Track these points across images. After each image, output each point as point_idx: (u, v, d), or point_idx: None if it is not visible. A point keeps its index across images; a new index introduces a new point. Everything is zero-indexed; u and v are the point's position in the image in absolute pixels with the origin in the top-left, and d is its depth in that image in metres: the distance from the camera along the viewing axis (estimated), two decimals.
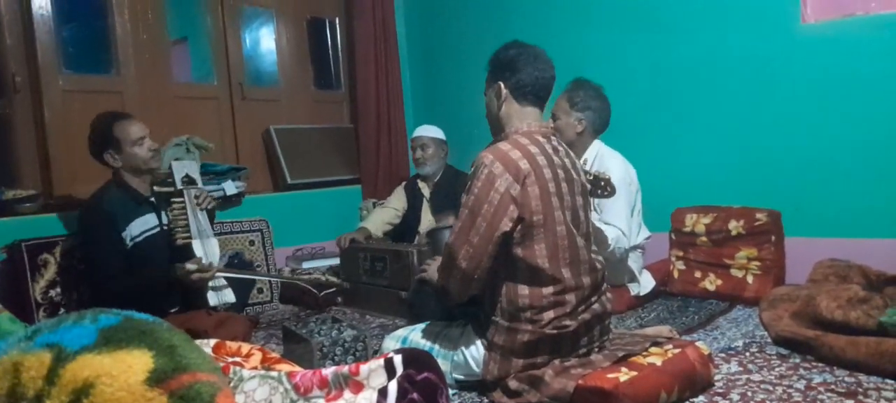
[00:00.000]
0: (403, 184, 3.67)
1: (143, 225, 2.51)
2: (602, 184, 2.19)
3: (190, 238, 2.51)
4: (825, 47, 2.80)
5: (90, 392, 0.94)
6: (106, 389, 0.95)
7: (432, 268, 2.05)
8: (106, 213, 2.44)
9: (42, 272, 2.71)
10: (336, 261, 3.55)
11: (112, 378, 0.96)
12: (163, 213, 2.58)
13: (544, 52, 1.91)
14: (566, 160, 1.88)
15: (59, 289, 2.73)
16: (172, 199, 2.55)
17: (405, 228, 3.52)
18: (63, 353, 0.98)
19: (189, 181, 2.64)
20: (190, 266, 2.38)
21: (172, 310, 2.51)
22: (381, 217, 3.55)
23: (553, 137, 1.92)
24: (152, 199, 2.57)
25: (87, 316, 1.08)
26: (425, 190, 3.51)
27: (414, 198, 3.53)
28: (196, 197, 2.60)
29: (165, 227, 2.57)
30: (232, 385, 1.42)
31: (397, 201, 3.59)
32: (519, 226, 1.75)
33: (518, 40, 1.91)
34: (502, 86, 1.89)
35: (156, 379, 0.98)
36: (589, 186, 2.06)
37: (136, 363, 0.99)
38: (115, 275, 2.40)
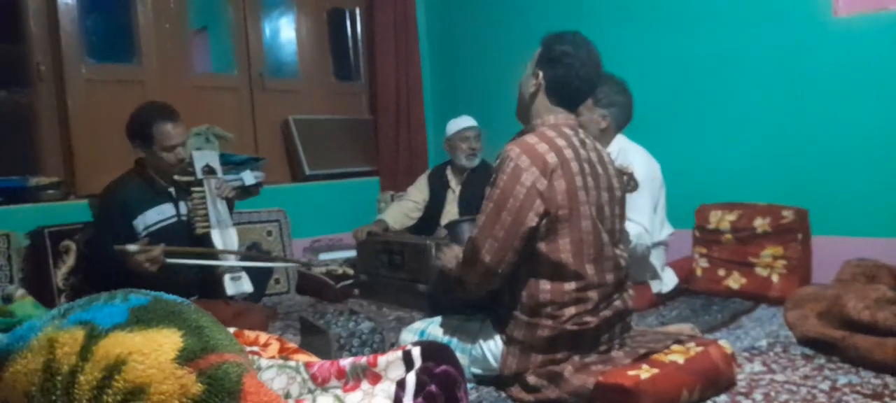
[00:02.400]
0: (427, 173, 3.62)
1: (158, 215, 2.54)
2: (625, 178, 2.16)
3: (209, 227, 2.53)
4: (856, 41, 2.74)
5: (122, 368, 0.97)
6: (137, 366, 0.98)
7: (448, 256, 2.02)
8: (118, 201, 2.48)
9: (64, 258, 2.75)
10: (353, 253, 3.55)
11: (143, 355, 0.99)
12: (181, 204, 2.60)
13: (598, 56, 1.84)
14: (592, 154, 1.85)
15: (80, 275, 2.76)
16: (192, 189, 2.57)
17: (427, 221, 3.47)
18: (95, 330, 1.02)
19: (209, 171, 2.66)
20: (130, 247, 2.26)
21: (191, 300, 2.52)
22: (401, 210, 3.52)
23: (580, 131, 1.89)
24: (171, 190, 2.59)
25: (118, 296, 1.12)
26: (454, 182, 3.45)
27: (439, 189, 3.47)
28: (216, 186, 2.62)
29: (183, 218, 2.59)
30: None
31: (418, 193, 3.54)
32: (544, 221, 1.72)
33: (578, 34, 1.85)
34: (541, 76, 1.85)
35: (185, 358, 1.01)
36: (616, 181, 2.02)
37: (166, 342, 1.02)
38: (102, 259, 2.41)
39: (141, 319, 1.05)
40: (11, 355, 1.05)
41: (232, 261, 2.54)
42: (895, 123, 2.66)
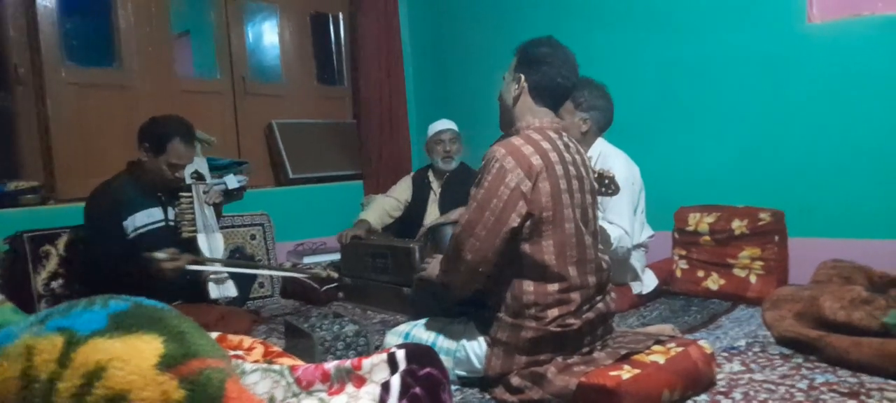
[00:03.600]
0: (411, 174, 3.65)
1: (147, 218, 2.54)
2: (606, 181, 2.19)
3: (195, 231, 2.53)
4: (831, 47, 2.79)
5: (102, 375, 0.96)
6: (117, 373, 0.96)
7: (432, 266, 2.04)
8: (109, 201, 2.48)
9: (44, 263, 2.72)
10: (337, 257, 3.55)
11: (123, 362, 0.97)
12: (169, 209, 2.60)
13: (574, 56, 1.89)
14: (577, 157, 1.88)
15: (61, 281, 2.73)
16: (180, 194, 2.57)
17: (409, 222, 3.49)
18: (75, 337, 1.00)
19: (198, 177, 2.66)
20: (159, 255, 2.34)
21: (175, 303, 2.52)
22: (383, 206, 3.52)
23: (564, 134, 1.91)
24: (160, 194, 2.59)
25: (98, 302, 1.10)
26: (435, 184, 3.48)
27: (422, 192, 3.50)
28: (204, 192, 2.62)
29: (170, 223, 2.59)
30: None
31: (402, 192, 3.56)
32: (527, 222, 1.74)
33: (552, 38, 1.90)
34: (523, 79, 1.88)
35: (166, 364, 1.00)
36: (596, 185, 2.05)
37: (146, 348, 1.00)
38: (107, 262, 2.41)
39: (121, 325, 1.03)
40: None
41: (224, 269, 2.56)
42: (870, 126, 2.71)
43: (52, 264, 2.73)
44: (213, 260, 2.51)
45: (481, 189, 1.77)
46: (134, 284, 2.23)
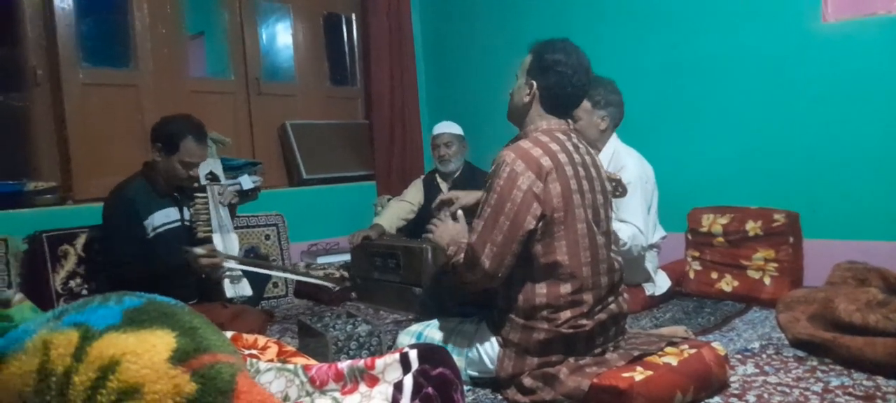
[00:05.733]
0: (421, 177, 3.67)
1: (164, 218, 2.57)
2: (613, 184, 2.18)
3: (210, 232, 2.55)
4: (846, 46, 2.77)
5: (116, 369, 0.99)
6: (131, 366, 0.99)
7: (440, 231, 2.01)
8: (128, 202, 2.50)
9: (62, 263, 2.75)
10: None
11: (137, 356, 1.00)
12: (184, 209, 2.63)
13: (588, 62, 1.87)
14: (587, 157, 1.88)
15: (79, 280, 2.77)
16: (195, 194, 2.59)
17: (420, 224, 3.51)
18: (90, 332, 1.03)
19: (213, 178, 2.68)
20: (198, 250, 2.39)
21: (190, 302, 2.54)
22: (396, 212, 3.54)
23: (573, 135, 1.91)
24: (176, 194, 2.62)
25: (112, 298, 1.13)
26: (443, 186, 3.50)
27: (431, 194, 3.52)
28: (219, 193, 2.64)
29: (186, 222, 2.62)
30: None
31: (414, 195, 3.58)
32: (540, 223, 1.74)
33: (568, 41, 1.87)
34: (535, 86, 1.87)
35: (178, 358, 1.02)
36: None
37: (159, 342, 1.03)
38: (130, 262, 2.46)
39: (134, 320, 1.06)
40: (6, 357, 1.06)
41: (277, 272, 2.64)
42: (885, 127, 2.68)
43: (70, 263, 2.76)
44: (248, 262, 2.58)
45: (494, 194, 1.76)
46: (158, 284, 2.27)
